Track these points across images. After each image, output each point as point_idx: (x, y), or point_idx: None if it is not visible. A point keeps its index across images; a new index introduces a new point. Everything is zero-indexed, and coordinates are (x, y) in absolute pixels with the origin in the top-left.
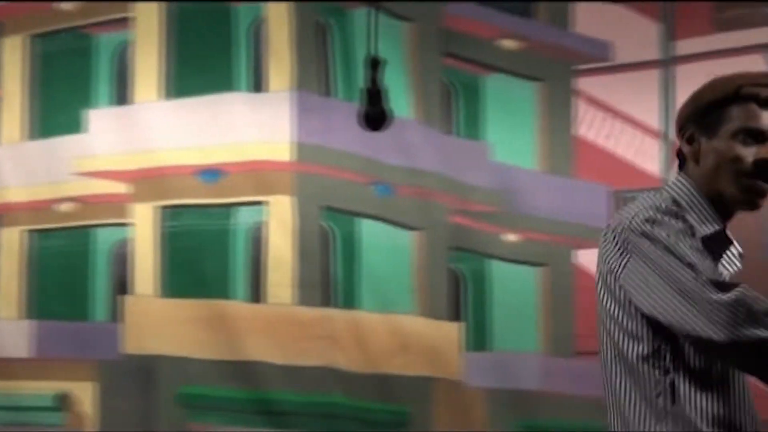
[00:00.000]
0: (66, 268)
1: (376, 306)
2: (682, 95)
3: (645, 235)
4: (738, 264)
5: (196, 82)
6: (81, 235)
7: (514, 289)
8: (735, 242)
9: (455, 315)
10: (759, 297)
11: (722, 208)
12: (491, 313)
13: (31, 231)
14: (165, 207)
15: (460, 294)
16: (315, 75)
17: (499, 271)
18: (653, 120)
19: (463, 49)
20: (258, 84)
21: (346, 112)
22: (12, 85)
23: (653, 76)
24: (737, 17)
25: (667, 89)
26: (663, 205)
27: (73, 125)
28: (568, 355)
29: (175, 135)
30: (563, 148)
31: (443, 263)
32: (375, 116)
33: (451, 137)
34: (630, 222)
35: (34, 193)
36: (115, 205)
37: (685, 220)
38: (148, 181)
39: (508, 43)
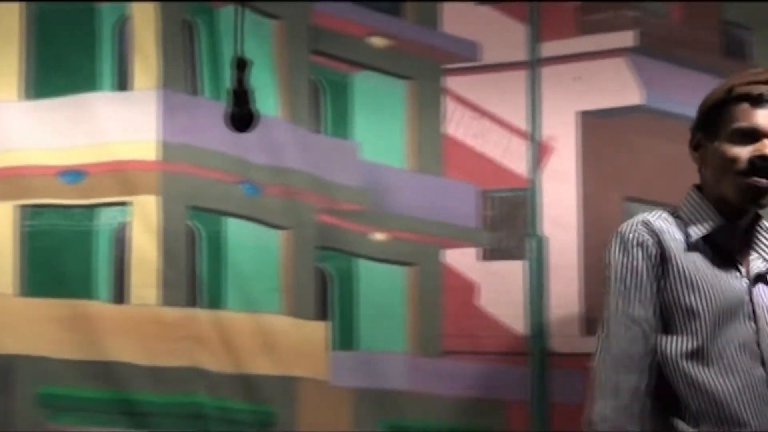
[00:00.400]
0: None
1: (242, 306)
2: (548, 96)
3: (614, 246)
4: None
5: (59, 83)
6: None
7: (381, 288)
8: None
9: (322, 314)
10: (634, 354)
11: (729, 208)
12: (358, 312)
13: None
14: (24, 206)
15: (328, 293)
16: (182, 74)
17: (367, 270)
18: (520, 120)
19: (331, 46)
20: (123, 83)
21: (214, 111)
22: None
23: (520, 76)
24: (601, 20)
25: (533, 90)
26: (652, 219)
27: None
28: (435, 354)
29: (36, 135)
30: (432, 147)
31: (310, 262)
32: (241, 117)
33: (319, 136)
34: (620, 229)
35: None
36: None
37: (660, 240)
38: (6, 180)
39: (377, 41)
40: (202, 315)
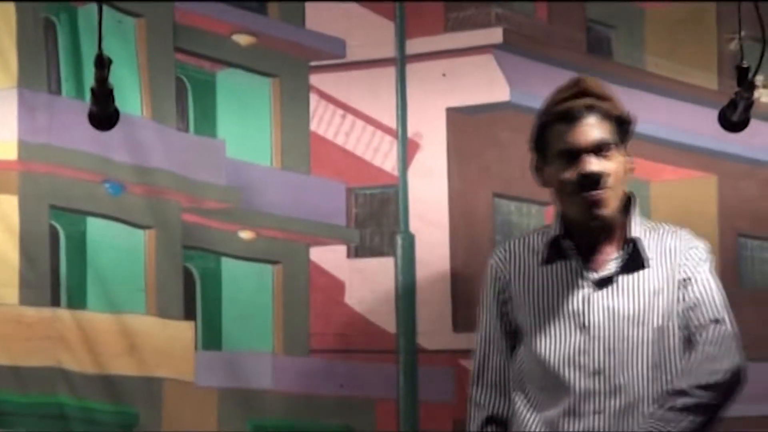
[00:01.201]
0: None
1: (104, 306)
2: (415, 93)
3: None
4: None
5: None
6: None
7: (248, 287)
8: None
9: (189, 314)
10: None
11: (579, 222)
12: (225, 311)
13: None
14: None
15: (194, 293)
16: (42, 72)
17: (234, 269)
18: (388, 117)
19: (195, 44)
20: None
21: (75, 109)
22: None
23: (388, 73)
24: (466, 18)
25: (402, 87)
26: (511, 240)
27: None
28: (302, 353)
29: None
30: (299, 145)
31: (177, 262)
32: (103, 116)
33: (185, 134)
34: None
35: None
36: None
37: (507, 262)
38: None
39: (242, 39)
40: (63, 315)
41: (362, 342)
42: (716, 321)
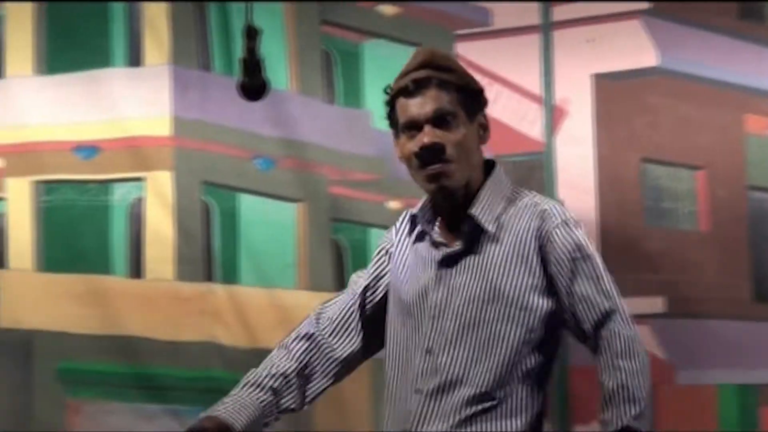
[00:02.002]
0: None
1: (257, 281)
2: (561, 60)
3: None
4: (451, 248)
5: (72, 58)
6: None
7: None
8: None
9: (339, 286)
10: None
11: (433, 197)
12: None
13: None
14: (40, 182)
15: (343, 265)
16: (193, 49)
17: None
18: (533, 84)
19: (341, 16)
20: (135, 60)
21: (225, 85)
22: None
23: (533, 41)
24: None
25: (547, 54)
26: (402, 217)
27: None
28: None
29: (51, 110)
30: None
31: (326, 235)
32: (253, 87)
33: (332, 106)
34: None
35: None
36: None
37: (392, 239)
38: (22, 156)
39: (387, 9)
40: (217, 290)
41: None
42: (608, 316)
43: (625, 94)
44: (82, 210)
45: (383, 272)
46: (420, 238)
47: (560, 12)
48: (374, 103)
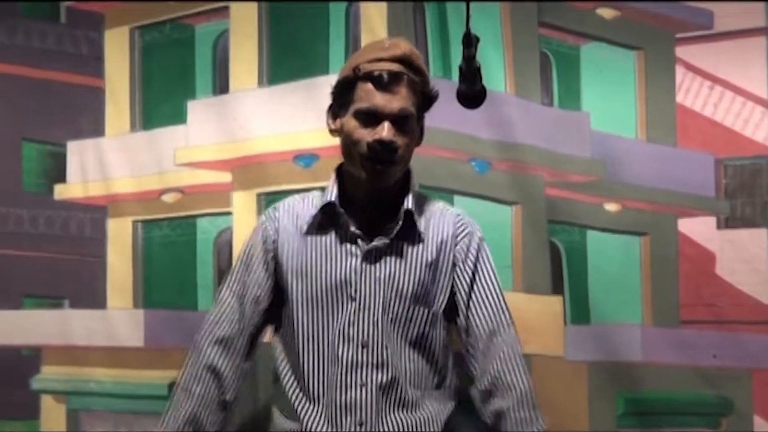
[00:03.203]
0: (174, 258)
1: None
2: None
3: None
4: (384, 239)
5: (293, 66)
6: (187, 225)
7: (615, 259)
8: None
9: (556, 288)
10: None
11: (359, 183)
12: (591, 284)
13: (140, 221)
14: (263, 194)
15: (560, 267)
16: None
17: (600, 242)
18: (758, 88)
19: (559, 18)
20: None
21: (442, 88)
22: (116, 77)
23: (757, 43)
24: None
25: None
26: (283, 203)
27: (176, 116)
28: (672, 325)
29: (272, 121)
30: (665, 117)
31: (543, 236)
32: (471, 95)
33: (549, 108)
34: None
35: (141, 184)
36: (216, 194)
37: (278, 225)
38: (246, 169)
39: (606, 12)
40: None
41: (735, 313)
42: (505, 328)
43: None
44: None
45: (274, 266)
46: (322, 228)
47: None
48: (592, 104)
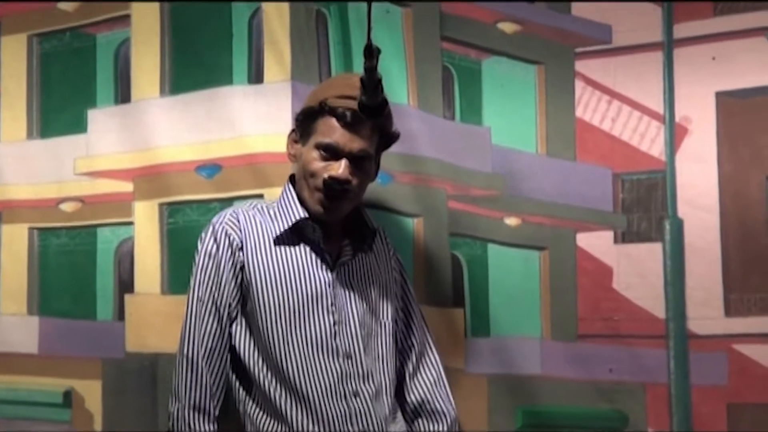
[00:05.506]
0: (72, 267)
1: None
2: (682, 77)
3: (203, 235)
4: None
5: (196, 77)
6: (86, 234)
7: (515, 273)
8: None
9: (458, 301)
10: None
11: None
12: (492, 298)
13: (36, 228)
14: (165, 204)
15: (461, 280)
16: (314, 65)
17: (500, 256)
18: (654, 102)
19: (460, 32)
20: (257, 76)
21: None
22: (11, 84)
23: (655, 58)
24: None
25: (669, 72)
26: (241, 211)
27: (76, 125)
28: (570, 339)
29: (174, 131)
30: (565, 131)
31: (445, 249)
32: (372, 105)
33: (451, 122)
34: (213, 219)
35: (38, 192)
36: (118, 203)
37: (242, 235)
38: (148, 179)
39: (507, 27)
40: None
41: (631, 327)
42: (431, 347)
43: (749, 112)
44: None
45: (240, 273)
46: (291, 241)
47: (683, 29)
48: (493, 119)
